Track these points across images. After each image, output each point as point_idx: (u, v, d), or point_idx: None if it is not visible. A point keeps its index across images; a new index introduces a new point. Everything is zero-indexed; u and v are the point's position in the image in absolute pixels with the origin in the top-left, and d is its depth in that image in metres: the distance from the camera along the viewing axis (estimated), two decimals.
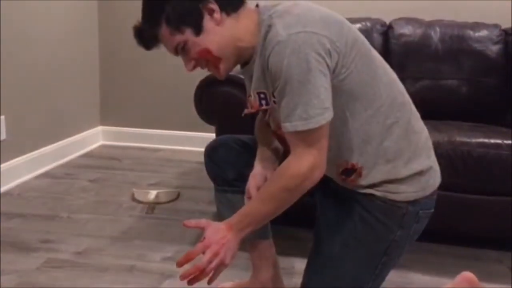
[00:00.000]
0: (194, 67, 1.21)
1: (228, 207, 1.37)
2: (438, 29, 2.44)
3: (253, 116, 1.41)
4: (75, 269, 1.75)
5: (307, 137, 1.08)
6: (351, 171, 1.19)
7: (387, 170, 1.18)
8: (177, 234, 2.05)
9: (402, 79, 1.28)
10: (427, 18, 2.54)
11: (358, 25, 2.46)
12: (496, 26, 2.44)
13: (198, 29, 1.15)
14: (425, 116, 1.32)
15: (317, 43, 1.05)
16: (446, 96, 2.39)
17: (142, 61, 3.30)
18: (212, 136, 1.79)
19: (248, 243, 1.49)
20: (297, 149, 1.10)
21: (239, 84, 1.72)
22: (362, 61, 1.14)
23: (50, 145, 2.89)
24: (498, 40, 2.39)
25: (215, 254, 1.12)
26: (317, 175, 1.10)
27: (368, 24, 2.50)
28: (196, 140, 3.22)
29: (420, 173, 1.19)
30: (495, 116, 2.33)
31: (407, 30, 2.46)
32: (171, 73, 3.27)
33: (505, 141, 1.79)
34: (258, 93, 1.20)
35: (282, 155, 1.34)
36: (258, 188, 1.26)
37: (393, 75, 1.24)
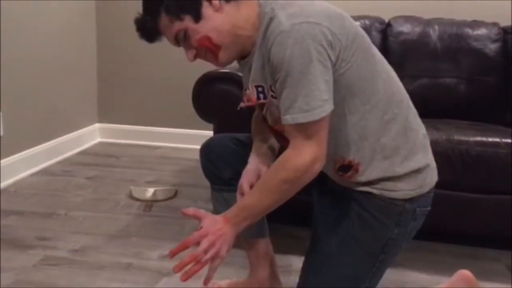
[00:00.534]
0: (195, 57, 1.21)
1: (225, 206, 1.36)
2: (436, 27, 2.43)
3: (250, 112, 1.40)
4: (72, 267, 1.75)
5: (307, 129, 1.07)
6: (348, 167, 1.19)
7: (384, 167, 1.17)
8: (174, 232, 2.05)
9: (401, 77, 1.28)
10: (426, 16, 2.53)
11: (357, 23, 2.44)
12: (495, 24, 2.43)
13: (197, 16, 1.14)
14: (423, 114, 1.32)
15: (320, 34, 1.05)
16: (444, 95, 2.39)
17: (139, 58, 3.30)
18: (210, 133, 1.79)
19: (245, 242, 1.49)
20: (297, 142, 1.09)
21: (237, 82, 1.72)
22: (362, 56, 1.14)
23: (47, 142, 2.89)
24: (497, 39, 2.38)
25: (212, 245, 1.11)
26: (317, 168, 1.10)
27: (367, 22, 2.50)
28: (194, 138, 3.21)
29: (417, 171, 1.19)
30: (493, 115, 2.33)
31: (405, 28, 2.46)
32: (169, 70, 3.27)
33: (504, 140, 1.78)
34: (256, 87, 1.19)
35: (278, 153, 1.33)
36: (251, 184, 1.25)
37: (392, 72, 1.24)
